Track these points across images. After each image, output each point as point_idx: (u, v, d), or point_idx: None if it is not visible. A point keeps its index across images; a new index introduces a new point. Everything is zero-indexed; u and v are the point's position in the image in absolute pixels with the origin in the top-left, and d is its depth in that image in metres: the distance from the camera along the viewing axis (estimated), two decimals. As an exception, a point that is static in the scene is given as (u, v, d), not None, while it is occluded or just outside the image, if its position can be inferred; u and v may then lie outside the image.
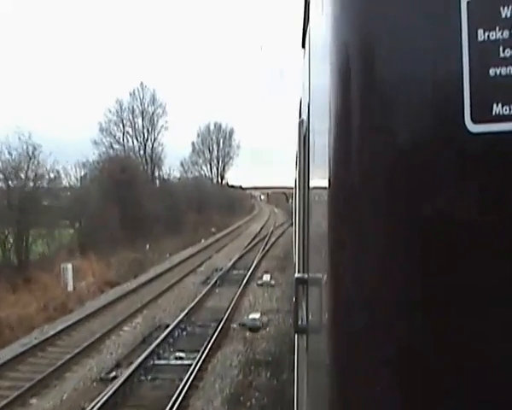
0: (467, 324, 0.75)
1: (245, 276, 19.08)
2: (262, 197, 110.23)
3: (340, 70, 0.85)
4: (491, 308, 0.74)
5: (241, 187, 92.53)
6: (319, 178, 1.12)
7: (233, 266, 21.82)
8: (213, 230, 45.94)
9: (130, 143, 41.72)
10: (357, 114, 0.82)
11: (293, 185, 10.16)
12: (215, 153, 71.79)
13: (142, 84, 42.43)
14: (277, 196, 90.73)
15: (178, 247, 30.71)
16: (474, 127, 0.76)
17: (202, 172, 67.55)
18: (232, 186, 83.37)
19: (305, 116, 2.36)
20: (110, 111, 41.79)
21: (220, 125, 68.52)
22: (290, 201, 31.36)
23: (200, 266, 22.67)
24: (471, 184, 0.75)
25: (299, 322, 2.01)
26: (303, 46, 2.86)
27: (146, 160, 40.98)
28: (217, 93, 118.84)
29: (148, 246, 29.87)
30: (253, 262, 22.26)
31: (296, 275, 2.29)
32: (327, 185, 0.88)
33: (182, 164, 63.48)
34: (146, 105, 42.23)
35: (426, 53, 0.77)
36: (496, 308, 0.74)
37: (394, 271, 0.79)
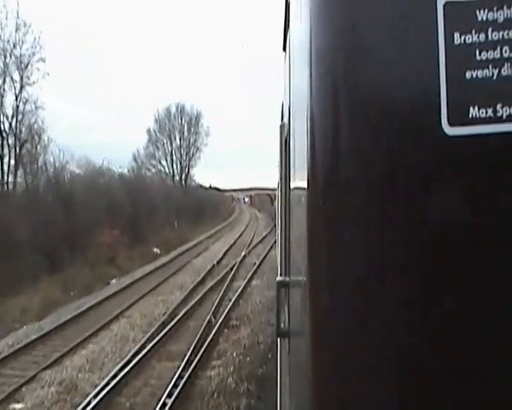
0: (463, 324, 0.81)
1: None
2: (246, 200, 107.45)
3: (319, 73, 0.91)
4: (486, 309, 0.80)
5: (216, 188, 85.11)
6: (299, 180, 1.18)
7: None
8: (157, 251, 29.62)
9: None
10: (335, 116, 0.89)
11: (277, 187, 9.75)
12: (177, 143, 49.18)
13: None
14: (262, 199, 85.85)
15: (48, 303, 16.40)
16: (450, 130, 0.82)
17: (161, 167, 46.66)
18: (216, 188, 79.74)
19: (286, 119, 2.36)
20: None
21: (184, 107, 48.31)
22: (275, 203, 21.43)
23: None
24: (448, 186, 0.82)
25: (282, 325, 1.94)
26: (284, 49, 2.85)
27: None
28: (205, 93, 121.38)
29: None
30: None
31: (278, 278, 2.23)
32: (306, 186, 0.95)
33: (135, 158, 51.35)
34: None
35: (403, 56, 0.84)
36: (492, 309, 0.80)
37: (373, 272, 0.84)
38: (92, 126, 79.44)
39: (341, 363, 0.86)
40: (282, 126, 2.73)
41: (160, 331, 12.84)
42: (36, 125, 26.23)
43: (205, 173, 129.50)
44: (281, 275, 2.79)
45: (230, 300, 16.19)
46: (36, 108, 25.76)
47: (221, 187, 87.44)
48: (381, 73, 0.85)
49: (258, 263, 23.88)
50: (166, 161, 57.39)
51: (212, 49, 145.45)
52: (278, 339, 3.07)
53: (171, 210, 40.93)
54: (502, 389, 0.79)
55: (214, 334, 12.52)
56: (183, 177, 58.64)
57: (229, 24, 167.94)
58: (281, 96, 4.26)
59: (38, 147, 25.71)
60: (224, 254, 27.88)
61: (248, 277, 20.29)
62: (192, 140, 58.90)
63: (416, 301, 0.82)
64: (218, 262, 24.93)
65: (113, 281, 22.38)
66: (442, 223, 0.81)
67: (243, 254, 27.13)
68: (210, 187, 72.41)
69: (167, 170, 57.19)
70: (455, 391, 0.80)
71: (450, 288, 0.81)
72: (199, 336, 12.29)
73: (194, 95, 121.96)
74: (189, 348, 11.31)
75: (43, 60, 26.31)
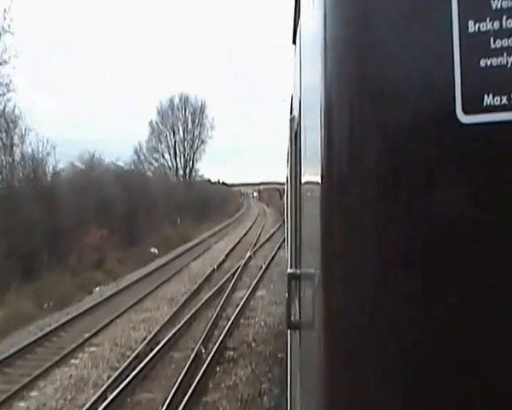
0: (466, 319, 0.82)
1: None
2: (254, 194, 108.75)
3: (332, 66, 0.93)
4: (490, 304, 0.81)
5: (224, 183, 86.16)
6: (311, 174, 1.20)
7: None
8: (154, 251, 26.81)
9: None
10: (350, 109, 0.90)
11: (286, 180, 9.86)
12: (181, 135, 46.95)
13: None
14: (270, 193, 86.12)
15: (11, 320, 13.22)
16: (465, 118, 0.83)
17: (164, 161, 44.74)
18: (224, 183, 79.43)
19: (296, 113, 2.43)
20: None
21: (187, 98, 45.71)
22: (284, 198, 18.43)
23: None
24: (463, 174, 0.83)
25: (292, 318, 1.97)
26: (294, 42, 2.93)
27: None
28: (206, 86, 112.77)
29: None
30: None
31: (289, 270, 2.26)
32: (319, 181, 0.96)
33: (136, 151, 47.53)
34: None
35: (417, 45, 0.86)
36: (495, 304, 0.81)
37: (387, 267, 0.86)
38: (94, 123, 77.53)
39: (352, 358, 0.87)
40: (291, 120, 2.70)
41: (133, 369, 9.60)
42: (8, 111, 23.42)
43: (213, 168, 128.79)
44: (291, 267, 2.73)
45: (228, 319, 12.86)
46: (8, 90, 22.80)
47: (229, 182, 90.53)
48: (395, 64, 0.86)
49: (264, 267, 20.91)
50: (169, 154, 55.07)
51: (217, 39, 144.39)
52: (289, 331, 2.97)
53: (172, 206, 39.73)
54: (505, 384, 0.80)
55: (202, 374, 9.17)
56: (187, 171, 56.26)
57: (233, 15, 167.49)
58: (289, 89, 4.35)
59: (15, 137, 22.96)
60: (227, 255, 25.01)
61: (252, 285, 17.12)
62: (196, 132, 56.96)
63: (419, 298, 0.83)
64: (219, 266, 21.96)
65: (97, 289, 19.55)
66: (446, 219, 0.82)
67: (248, 255, 24.24)
68: (218, 182, 73.81)
69: (170, 164, 54.69)
70: (458, 386, 0.82)
71: (453, 284, 0.82)
72: (182, 376, 9.27)
73: (199, 85, 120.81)
74: (165, 400, 8.16)
75: (11, 33, 23.11)
